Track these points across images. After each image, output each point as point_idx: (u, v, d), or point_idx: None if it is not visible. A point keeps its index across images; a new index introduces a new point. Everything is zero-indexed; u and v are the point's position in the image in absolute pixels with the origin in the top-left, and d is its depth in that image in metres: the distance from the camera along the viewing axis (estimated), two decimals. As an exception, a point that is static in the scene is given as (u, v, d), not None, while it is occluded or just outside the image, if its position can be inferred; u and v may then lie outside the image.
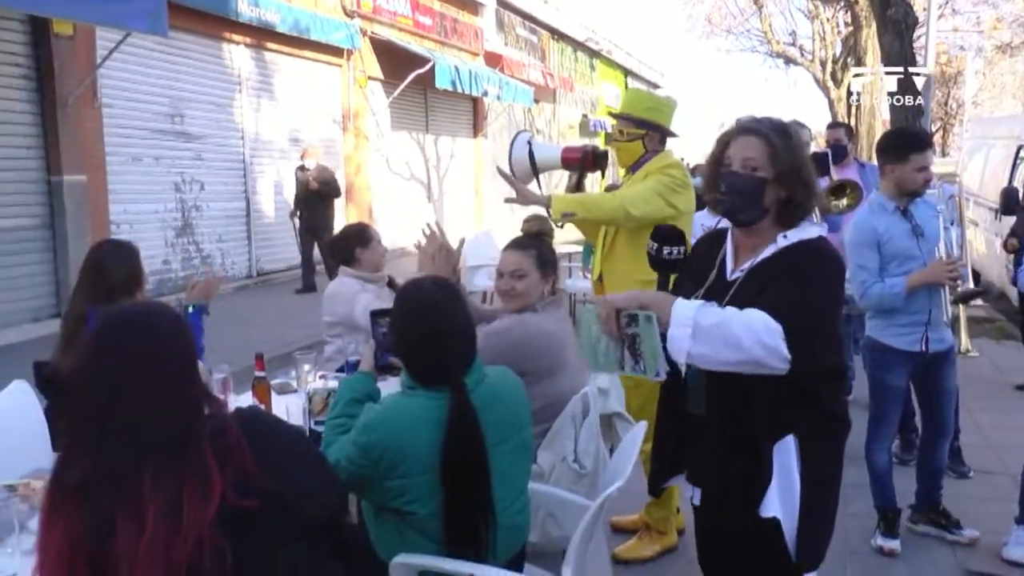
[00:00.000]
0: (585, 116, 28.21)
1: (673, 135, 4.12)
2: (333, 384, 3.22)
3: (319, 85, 14.40)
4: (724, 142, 2.46)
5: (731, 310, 2.21)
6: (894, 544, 4.11)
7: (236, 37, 12.18)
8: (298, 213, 11.71)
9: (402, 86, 15.42)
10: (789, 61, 30.63)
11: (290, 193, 12.06)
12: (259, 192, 12.96)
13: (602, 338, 2.30)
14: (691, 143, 28.20)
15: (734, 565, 2.53)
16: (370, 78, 15.56)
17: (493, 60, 19.59)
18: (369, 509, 2.56)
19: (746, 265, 2.43)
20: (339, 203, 14.96)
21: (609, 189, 4.66)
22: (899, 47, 11.20)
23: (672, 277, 2.83)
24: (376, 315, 2.97)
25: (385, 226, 16.02)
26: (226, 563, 1.63)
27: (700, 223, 4.30)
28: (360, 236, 4.62)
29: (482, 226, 17.95)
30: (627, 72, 33.21)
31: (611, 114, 4.18)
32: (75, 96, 9.32)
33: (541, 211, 3.96)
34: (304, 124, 14.01)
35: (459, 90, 15.87)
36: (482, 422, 2.40)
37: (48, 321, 9.28)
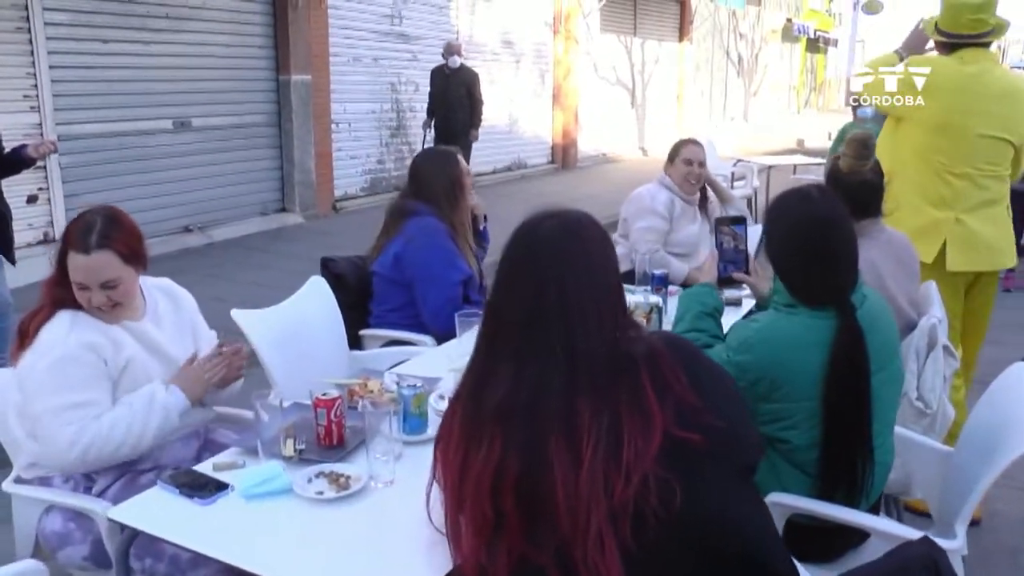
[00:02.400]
0: (789, 20, 26.97)
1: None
2: (655, 299, 3.02)
3: (532, -13, 14.10)
4: None
5: None
6: None
7: (454, -62, 11.98)
8: (432, 122, 10.29)
9: (613, -14, 14.94)
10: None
11: (504, 95, 11.61)
12: (472, 94, 12.85)
13: None
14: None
15: None
16: (580, -22, 15.11)
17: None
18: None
19: None
20: (546, 107, 14.74)
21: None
22: None
23: None
24: (721, 223, 2.75)
25: (589, 131, 15.74)
26: (675, 502, 1.41)
27: None
28: (670, 151, 4.54)
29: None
30: (836, -27, 31.32)
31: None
32: (304, -2, 9.42)
33: None
34: (516, 27, 13.82)
35: (670, -10, 15.22)
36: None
37: (274, 215, 9.63)
